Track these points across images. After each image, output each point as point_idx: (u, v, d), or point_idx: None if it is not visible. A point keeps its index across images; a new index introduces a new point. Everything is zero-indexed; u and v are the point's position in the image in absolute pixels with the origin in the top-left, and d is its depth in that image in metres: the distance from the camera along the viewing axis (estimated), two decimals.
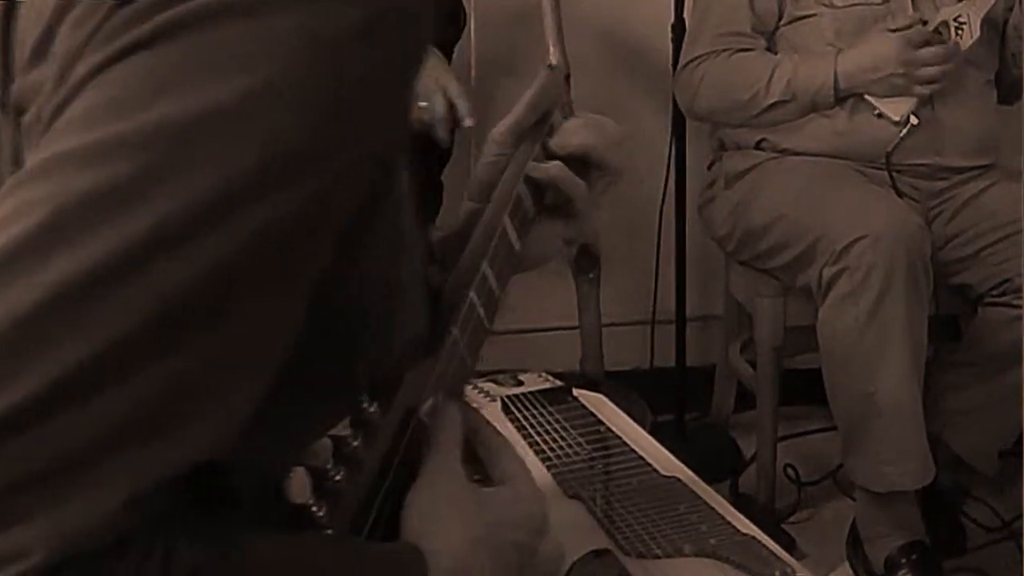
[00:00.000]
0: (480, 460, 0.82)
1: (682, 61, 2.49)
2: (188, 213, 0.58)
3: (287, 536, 0.68)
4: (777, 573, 0.98)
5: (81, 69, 0.61)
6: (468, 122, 2.16)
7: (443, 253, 0.95)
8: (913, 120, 2.31)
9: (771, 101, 2.36)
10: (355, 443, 0.72)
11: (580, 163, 1.01)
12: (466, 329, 0.85)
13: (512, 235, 0.94)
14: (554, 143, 1.01)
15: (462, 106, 2.15)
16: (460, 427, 0.79)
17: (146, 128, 0.58)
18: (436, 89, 2.17)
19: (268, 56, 0.60)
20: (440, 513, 0.73)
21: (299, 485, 0.68)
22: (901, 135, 2.32)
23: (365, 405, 0.73)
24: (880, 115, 2.33)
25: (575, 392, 1.33)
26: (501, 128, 1.03)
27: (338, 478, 0.70)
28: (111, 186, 0.57)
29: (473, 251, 0.91)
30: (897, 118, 2.31)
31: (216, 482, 0.65)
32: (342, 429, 0.71)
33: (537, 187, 0.99)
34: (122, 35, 0.60)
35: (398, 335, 0.77)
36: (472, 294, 0.86)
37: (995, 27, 2.41)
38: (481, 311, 0.87)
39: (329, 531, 0.69)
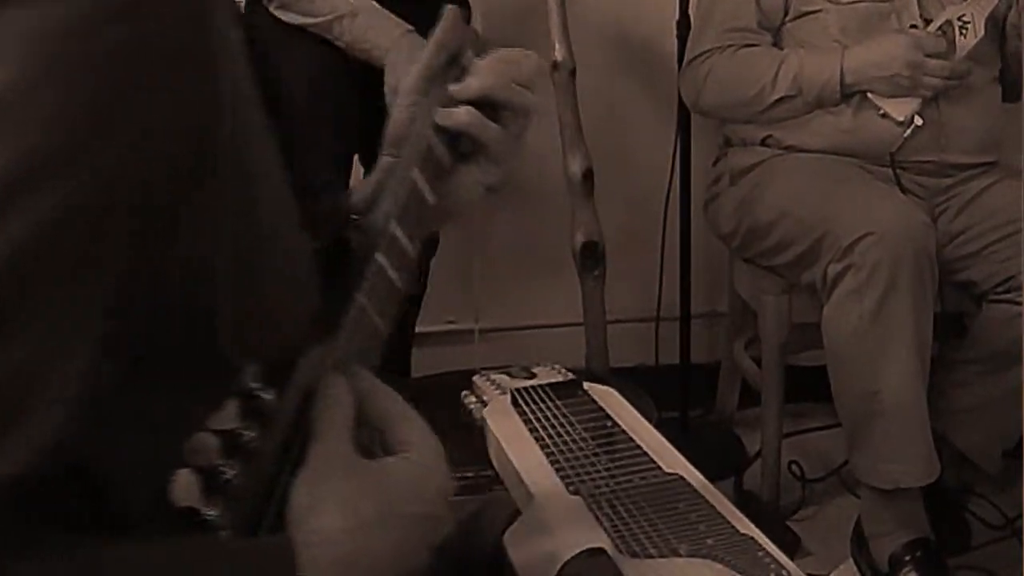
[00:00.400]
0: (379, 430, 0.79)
1: (687, 57, 2.48)
2: None
3: (138, 544, 0.65)
4: (772, 575, 0.98)
5: None
6: None
7: (363, 215, 0.93)
8: (918, 121, 2.30)
9: (777, 96, 2.36)
10: (249, 435, 0.68)
11: (491, 106, 0.98)
12: (374, 295, 0.81)
13: (424, 188, 0.90)
14: (454, 89, 0.97)
15: None
16: (348, 402, 0.75)
17: None
18: None
19: (22, 46, 0.59)
20: (321, 501, 0.70)
21: (183, 487, 0.65)
22: (905, 135, 2.31)
23: (259, 392, 0.69)
24: (884, 115, 2.33)
25: (586, 386, 1.32)
26: (410, 77, 1.00)
27: (230, 475, 0.67)
28: None
29: (382, 211, 0.87)
30: (901, 119, 2.31)
31: (91, 502, 0.63)
32: (232, 422, 0.68)
33: (451, 135, 0.96)
34: None
35: (279, 312, 0.74)
36: (380, 257, 0.83)
37: (996, 25, 2.40)
38: (392, 273, 0.83)
39: (224, 532, 0.66)
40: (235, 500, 0.67)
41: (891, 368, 2.13)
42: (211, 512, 0.65)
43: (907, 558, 2.18)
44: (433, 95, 0.97)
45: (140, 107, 0.63)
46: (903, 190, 2.30)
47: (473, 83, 0.97)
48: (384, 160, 0.99)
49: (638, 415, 1.26)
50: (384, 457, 0.76)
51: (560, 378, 1.35)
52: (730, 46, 2.41)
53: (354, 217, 0.91)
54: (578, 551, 0.98)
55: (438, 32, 0.99)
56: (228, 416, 0.68)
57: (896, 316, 2.11)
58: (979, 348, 2.32)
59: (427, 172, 0.91)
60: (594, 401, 1.29)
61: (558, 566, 0.96)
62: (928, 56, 2.28)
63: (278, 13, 2.26)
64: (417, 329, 2.72)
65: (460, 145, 0.98)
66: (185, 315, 0.67)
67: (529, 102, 0.99)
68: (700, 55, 2.44)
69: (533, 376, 1.35)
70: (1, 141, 0.59)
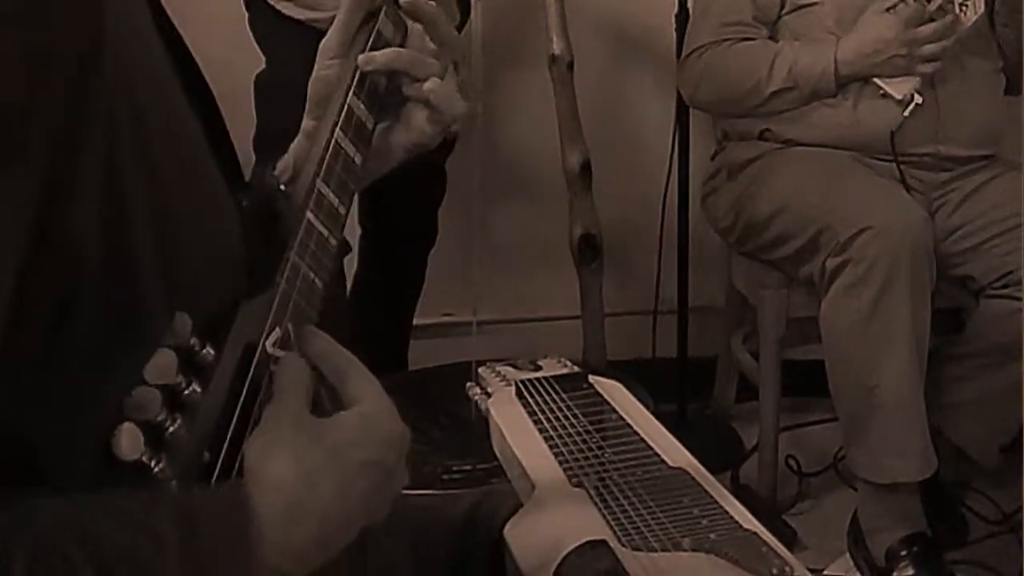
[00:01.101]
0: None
1: (684, 51, 2.48)
2: None
3: (92, 496, 0.65)
4: (775, 571, 0.97)
5: None
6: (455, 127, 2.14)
7: (290, 183, 0.93)
8: (917, 99, 2.29)
9: (773, 89, 2.35)
10: (189, 389, 0.69)
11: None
12: (306, 250, 0.83)
13: (349, 149, 0.92)
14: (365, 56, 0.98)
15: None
16: (301, 366, 0.77)
17: None
18: None
19: None
20: (271, 453, 0.72)
21: (129, 441, 0.65)
22: (905, 114, 2.31)
23: (195, 347, 0.70)
24: (884, 95, 2.32)
25: (591, 379, 1.32)
26: (328, 38, 1.00)
27: (173, 428, 0.68)
28: None
29: (310, 172, 0.89)
30: (900, 96, 2.30)
31: (28, 459, 0.63)
32: (170, 376, 0.68)
33: (372, 92, 0.97)
34: None
35: (204, 263, 0.75)
36: (309, 215, 0.85)
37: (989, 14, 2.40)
38: (323, 229, 0.85)
39: (172, 483, 0.67)
40: (181, 453, 0.68)
41: (889, 363, 2.13)
42: (158, 465, 0.66)
43: (904, 553, 2.18)
44: (352, 55, 0.98)
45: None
46: (905, 183, 2.29)
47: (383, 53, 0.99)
48: (308, 124, 0.99)
49: (643, 408, 1.26)
50: (328, 419, 0.77)
51: (565, 371, 1.35)
52: (726, 40, 2.40)
53: (282, 187, 0.92)
54: (579, 543, 0.98)
55: None
56: (166, 369, 0.68)
57: (894, 311, 2.11)
58: (977, 343, 2.32)
59: (349, 132, 0.92)
60: (599, 394, 1.29)
61: (559, 557, 0.96)
62: (916, 26, 2.27)
63: (280, 6, 2.25)
64: (415, 322, 2.72)
65: (384, 100, 0.98)
66: (103, 262, 0.66)
67: (449, 37, 1.00)
68: (696, 50, 2.43)
69: (539, 369, 1.35)
70: None
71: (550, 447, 1.17)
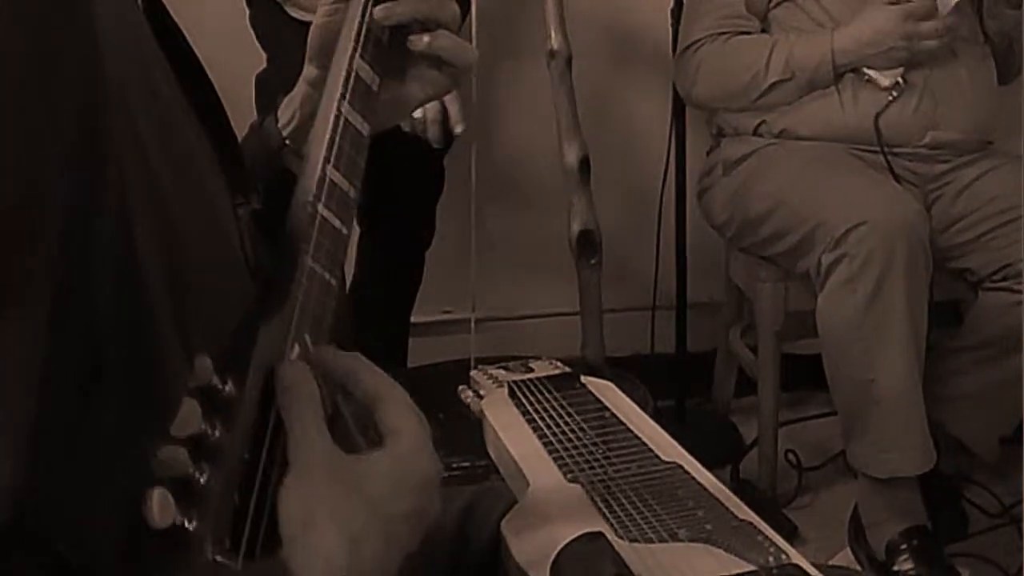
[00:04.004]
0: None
1: (679, 47, 2.48)
2: None
3: None
4: (771, 559, 0.98)
5: None
6: (459, 129, 2.14)
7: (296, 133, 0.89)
8: (902, 83, 2.31)
9: (771, 81, 2.36)
10: (214, 433, 0.63)
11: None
12: (321, 248, 0.75)
13: (356, 121, 0.85)
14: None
15: (454, 112, 2.13)
16: (311, 389, 0.71)
17: None
18: None
19: None
20: (312, 514, 0.67)
21: (160, 507, 0.60)
22: (891, 97, 2.32)
23: (216, 385, 0.64)
24: (869, 80, 2.33)
25: (583, 379, 1.32)
26: None
27: (202, 479, 0.62)
28: None
29: (313, 154, 0.81)
30: (886, 83, 2.32)
31: (64, 533, 0.60)
32: (195, 425, 0.63)
33: (377, 52, 0.90)
34: None
35: (216, 296, 0.70)
36: (320, 207, 0.77)
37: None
38: (336, 221, 0.78)
39: (206, 543, 0.61)
40: (211, 505, 0.63)
41: (886, 357, 2.13)
42: (191, 523, 0.61)
43: (904, 546, 2.18)
44: (349, 19, 0.92)
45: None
46: (896, 177, 2.29)
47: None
48: (311, 72, 0.95)
49: (635, 407, 1.26)
50: (367, 453, 0.73)
51: (557, 372, 1.35)
52: (722, 34, 2.41)
53: (286, 142, 0.88)
54: (576, 535, 0.98)
55: None
56: (191, 420, 0.63)
57: (890, 305, 2.11)
58: (976, 336, 2.32)
59: (356, 102, 0.86)
60: (591, 393, 1.29)
61: (557, 550, 0.96)
62: (919, 20, 2.29)
63: (289, 9, 2.25)
64: (414, 319, 2.72)
65: (389, 54, 0.93)
66: (121, 323, 0.63)
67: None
68: (691, 45, 2.44)
69: (531, 371, 1.35)
70: None
71: (544, 445, 1.17)
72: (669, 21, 2.57)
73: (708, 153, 2.62)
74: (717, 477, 1.10)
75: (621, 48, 2.88)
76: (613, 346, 2.59)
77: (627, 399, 1.29)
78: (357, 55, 0.88)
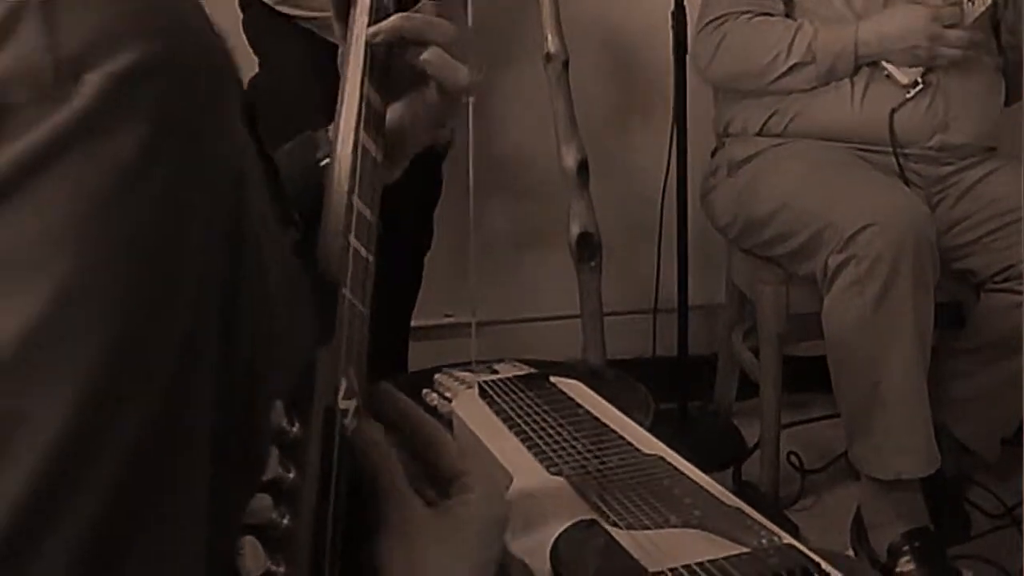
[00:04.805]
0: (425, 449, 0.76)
1: (699, 23, 2.47)
2: (59, 454, 0.48)
3: None
4: (763, 541, 0.98)
5: None
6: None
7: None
8: (920, 83, 2.32)
9: (792, 63, 2.36)
10: (289, 476, 0.64)
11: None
12: (356, 280, 0.75)
13: (372, 149, 0.84)
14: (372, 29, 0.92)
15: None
16: (387, 443, 0.71)
17: None
18: None
19: (56, 241, 0.50)
20: (417, 571, 0.68)
21: (252, 557, 0.60)
22: (908, 96, 2.32)
23: (286, 427, 0.64)
24: (888, 75, 2.33)
25: (552, 379, 1.32)
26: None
27: (285, 522, 0.62)
28: None
29: (338, 186, 0.80)
30: (906, 81, 2.32)
31: None
32: (275, 471, 0.63)
33: (382, 74, 0.89)
34: None
35: (291, 345, 0.69)
36: (352, 239, 0.77)
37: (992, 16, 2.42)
38: (363, 251, 0.77)
39: None
40: (295, 547, 0.63)
41: (892, 359, 2.13)
42: (279, 567, 0.62)
43: (906, 548, 2.18)
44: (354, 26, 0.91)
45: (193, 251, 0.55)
46: (905, 180, 2.29)
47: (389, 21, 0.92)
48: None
49: (608, 404, 1.27)
50: (451, 503, 0.74)
51: (524, 373, 1.35)
52: (745, 12, 2.40)
53: (324, 160, 0.87)
54: (570, 523, 0.98)
55: None
56: (272, 467, 0.63)
57: (898, 307, 2.11)
58: (978, 337, 2.32)
59: (371, 130, 0.85)
60: (563, 392, 1.29)
61: (552, 539, 0.96)
62: (945, 27, 2.29)
63: (280, 7, 2.25)
64: (414, 323, 2.71)
65: (394, 82, 0.92)
66: (238, 404, 0.62)
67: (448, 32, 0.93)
68: (713, 20, 2.43)
69: (496, 372, 1.36)
70: (71, 364, 0.49)
71: (522, 441, 1.17)
72: (670, 24, 2.57)
73: (712, 154, 2.61)
74: (719, 480, 1.10)
75: (621, 51, 2.88)
76: (615, 349, 2.59)
77: (598, 397, 1.29)
78: (366, 80, 0.88)
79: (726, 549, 0.96)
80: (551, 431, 1.19)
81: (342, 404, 0.70)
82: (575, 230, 2.45)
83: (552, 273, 2.69)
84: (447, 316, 2.88)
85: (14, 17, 0.52)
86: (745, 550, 0.96)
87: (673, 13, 2.57)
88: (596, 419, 1.22)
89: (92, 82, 0.51)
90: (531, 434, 1.18)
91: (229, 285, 0.58)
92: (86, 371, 0.50)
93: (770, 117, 2.43)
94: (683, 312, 2.72)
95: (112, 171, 0.52)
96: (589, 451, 1.14)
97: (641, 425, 1.22)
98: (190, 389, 0.54)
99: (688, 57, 2.57)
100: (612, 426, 1.20)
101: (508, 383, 1.31)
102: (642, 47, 2.86)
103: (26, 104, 0.51)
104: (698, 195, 2.63)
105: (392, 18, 0.92)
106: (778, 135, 2.43)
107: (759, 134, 2.46)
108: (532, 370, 1.36)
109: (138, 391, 0.51)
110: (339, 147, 0.83)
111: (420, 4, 0.94)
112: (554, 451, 1.14)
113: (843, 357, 2.21)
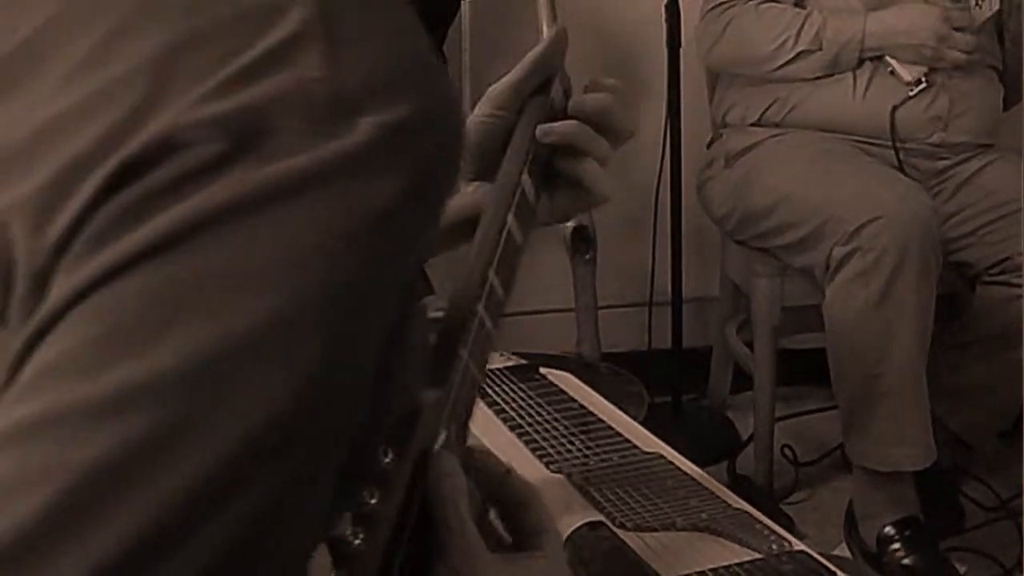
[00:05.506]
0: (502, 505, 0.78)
1: (704, 7, 2.46)
2: (225, 467, 0.50)
3: None
4: (774, 547, 0.97)
5: (59, 289, 0.50)
6: None
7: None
8: (923, 82, 2.32)
9: (799, 50, 2.35)
10: (372, 500, 0.65)
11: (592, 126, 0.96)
12: (476, 348, 0.78)
13: (517, 233, 0.88)
14: (571, 106, 0.96)
15: None
16: (464, 478, 0.72)
17: (155, 372, 0.49)
18: None
19: (287, 266, 0.51)
20: None
21: (320, 563, 0.63)
22: (910, 94, 2.32)
23: (379, 457, 0.66)
24: (893, 72, 2.33)
25: (542, 370, 1.31)
26: (500, 86, 0.97)
27: (358, 542, 0.64)
28: (126, 451, 0.48)
29: (479, 258, 0.83)
30: (909, 79, 2.32)
31: None
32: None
33: (541, 160, 0.93)
34: (110, 242, 0.50)
35: (408, 389, 0.70)
36: (481, 309, 0.80)
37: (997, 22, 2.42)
38: (489, 324, 0.81)
39: None
40: (360, 566, 0.65)
41: (894, 352, 2.13)
42: None
43: (896, 537, 2.18)
44: (521, 129, 0.94)
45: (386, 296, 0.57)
46: (903, 169, 2.29)
47: (589, 100, 0.96)
48: (472, 187, 0.96)
49: (601, 398, 1.26)
50: (517, 555, 0.75)
51: (512, 363, 1.34)
52: None
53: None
54: (577, 525, 0.97)
55: (541, 48, 0.97)
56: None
57: (901, 299, 2.10)
58: (974, 330, 2.32)
59: (519, 216, 0.90)
60: (555, 384, 1.28)
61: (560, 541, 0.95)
62: (954, 29, 2.29)
63: None
64: None
65: (553, 166, 0.96)
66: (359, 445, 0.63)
67: (630, 124, 0.97)
68: (719, 5, 2.42)
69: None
70: (269, 383, 0.51)
71: (518, 435, 1.16)
72: (663, 16, 2.56)
73: (709, 145, 2.60)
74: (713, 473, 1.09)
75: (615, 43, 2.87)
76: (609, 342, 2.58)
77: (590, 390, 1.28)
78: (525, 169, 0.91)
79: (737, 554, 0.95)
80: (548, 425, 1.18)
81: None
82: (569, 223, 2.45)
83: (547, 266, 2.68)
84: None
85: (295, 42, 0.52)
86: (758, 556, 0.95)
87: (667, 6, 2.56)
88: (591, 413, 1.21)
89: (364, 128, 0.52)
90: (527, 428, 1.17)
91: (396, 333, 0.59)
92: (275, 399, 0.51)
93: (769, 106, 2.43)
94: (677, 305, 2.71)
95: (361, 216, 0.52)
96: (588, 448, 1.13)
97: (634, 419, 1.21)
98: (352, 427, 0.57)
99: (682, 48, 2.56)
100: (609, 421, 1.19)
101: (499, 374, 1.30)
102: (636, 39, 2.85)
103: (294, 130, 0.51)
104: (692, 188, 2.62)
105: (569, 123, 0.96)
106: (777, 124, 2.42)
107: (758, 123, 2.45)
108: (522, 361, 1.35)
109: (321, 426, 0.54)
110: (486, 225, 0.87)
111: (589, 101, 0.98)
112: (553, 446, 1.13)
113: (844, 349, 2.20)
